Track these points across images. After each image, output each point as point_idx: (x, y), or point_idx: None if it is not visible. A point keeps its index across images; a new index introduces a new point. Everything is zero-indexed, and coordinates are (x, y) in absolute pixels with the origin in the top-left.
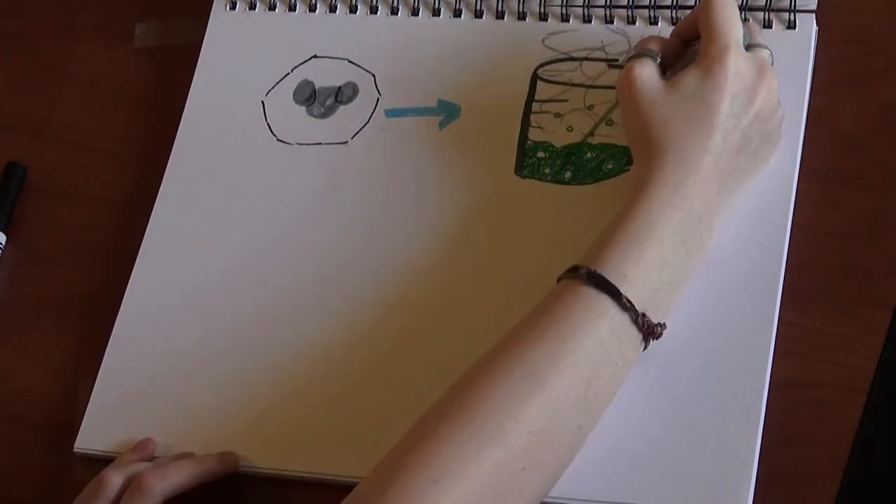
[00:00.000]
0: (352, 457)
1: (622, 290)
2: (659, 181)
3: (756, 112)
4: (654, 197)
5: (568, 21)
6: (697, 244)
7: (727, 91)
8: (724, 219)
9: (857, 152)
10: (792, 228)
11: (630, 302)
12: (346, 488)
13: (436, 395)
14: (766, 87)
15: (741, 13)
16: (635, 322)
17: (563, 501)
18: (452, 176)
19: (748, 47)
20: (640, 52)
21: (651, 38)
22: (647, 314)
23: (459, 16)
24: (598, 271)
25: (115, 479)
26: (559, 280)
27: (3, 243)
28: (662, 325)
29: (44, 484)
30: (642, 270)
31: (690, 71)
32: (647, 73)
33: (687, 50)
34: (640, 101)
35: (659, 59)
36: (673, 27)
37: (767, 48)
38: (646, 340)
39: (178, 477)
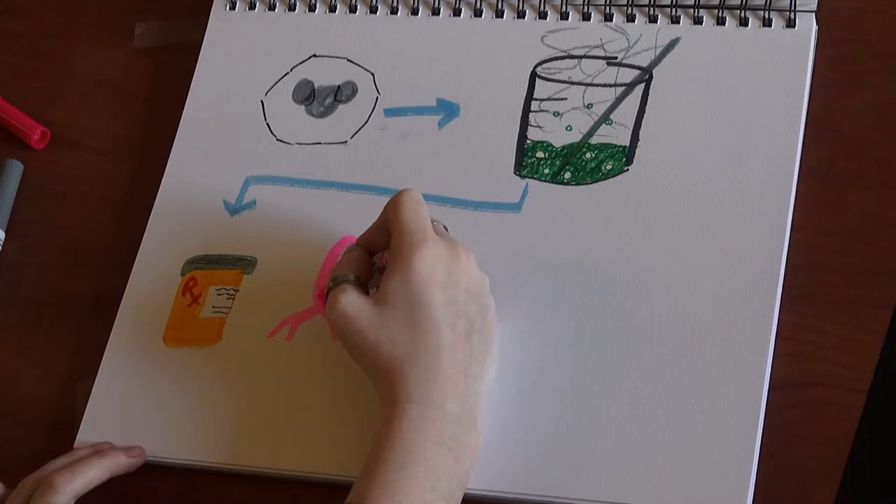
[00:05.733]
0: (340, 456)
1: None
2: (406, 398)
3: (466, 289)
4: (406, 416)
5: (567, 19)
6: (463, 446)
7: (434, 283)
8: (484, 408)
9: (857, 152)
10: (792, 228)
11: None
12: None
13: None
14: (464, 260)
15: (740, 12)
16: None
17: (563, 501)
18: (451, 176)
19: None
20: (335, 280)
21: (340, 263)
22: None
23: (459, 14)
24: None
25: (26, 483)
26: None
27: (3, 239)
28: None
29: None
30: (416, 495)
31: (391, 277)
32: (350, 298)
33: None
34: (357, 329)
35: (354, 279)
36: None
37: (439, 222)
38: None
39: (88, 474)
